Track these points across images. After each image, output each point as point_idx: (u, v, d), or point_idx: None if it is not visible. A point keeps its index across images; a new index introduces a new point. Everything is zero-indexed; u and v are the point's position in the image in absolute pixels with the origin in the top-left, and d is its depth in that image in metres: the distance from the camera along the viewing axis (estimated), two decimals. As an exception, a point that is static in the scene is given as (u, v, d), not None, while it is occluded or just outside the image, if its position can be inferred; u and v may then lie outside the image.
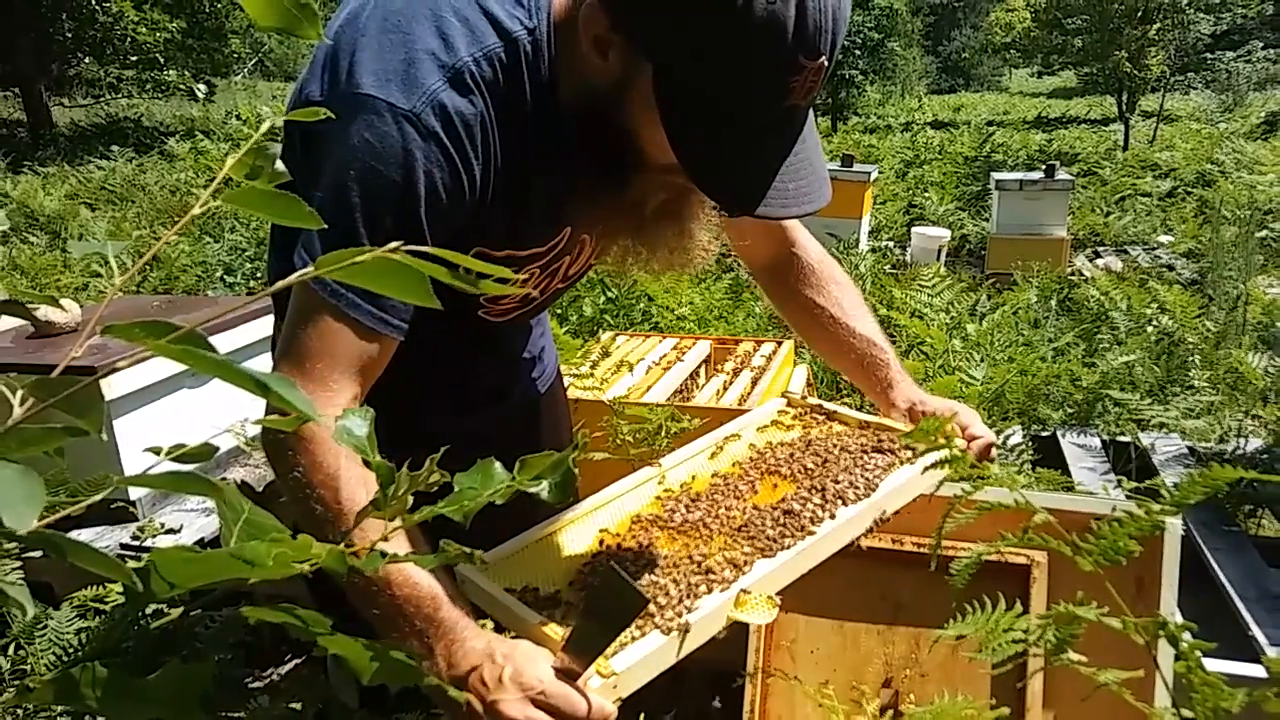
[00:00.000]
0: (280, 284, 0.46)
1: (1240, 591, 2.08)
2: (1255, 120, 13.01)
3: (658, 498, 1.23)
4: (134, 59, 14.09)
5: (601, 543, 1.14)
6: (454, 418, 1.35)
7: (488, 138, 1.01)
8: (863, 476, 1.21)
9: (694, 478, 1.28)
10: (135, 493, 2.48)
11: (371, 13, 1.00)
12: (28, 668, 1.85)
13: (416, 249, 0.46)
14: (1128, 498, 2.19)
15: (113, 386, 2.32)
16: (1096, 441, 2.97)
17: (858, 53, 17.46)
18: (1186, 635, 0.72)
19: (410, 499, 0.56)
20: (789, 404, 1.47)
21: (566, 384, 1.84)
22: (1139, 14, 13.38)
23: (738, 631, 1.10)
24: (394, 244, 0.46)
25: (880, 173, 8.95)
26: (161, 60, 14.13)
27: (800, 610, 1.46)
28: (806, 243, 1.44)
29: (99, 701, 0.48)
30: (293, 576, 0.50)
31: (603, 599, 0.89)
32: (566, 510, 1.20)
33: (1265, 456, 2.86)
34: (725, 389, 2.39)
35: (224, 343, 2.60)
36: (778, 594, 1.05)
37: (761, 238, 1.43)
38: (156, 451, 0.51)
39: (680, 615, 0.99)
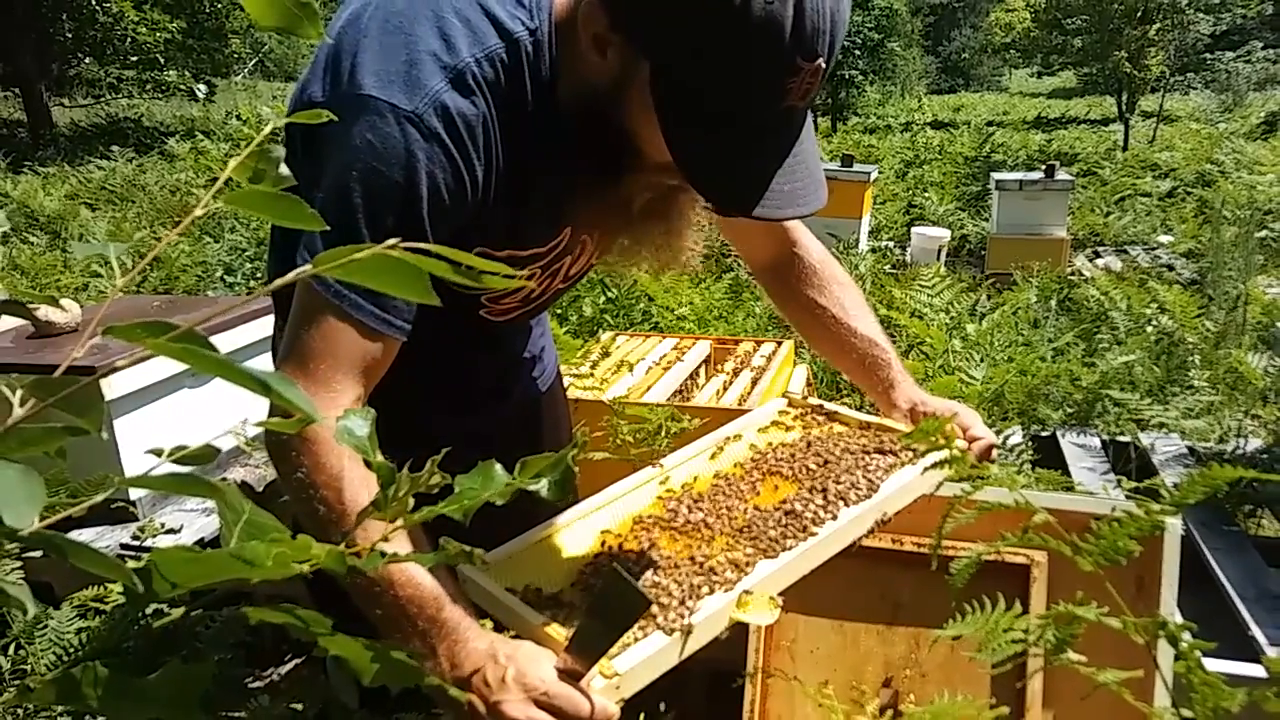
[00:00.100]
0: (279, 281, 0.46)
1: (1240, 591, 2.08)
2: (1255, 120, 13.02)
3: (659, 498, 1.23)
4: (134, 59, 14.10)
5: (603, 543, 1.14)
6: (454, 417, 1.35)
7: (489, 138, 1.01)
8: (865, 477, 1.21)
9: (695, 478, 1.28)
10: (135, 493, 2.47)
11: (373, 13, 1.00)
12: (28, 667, 1.85)
13: (415, 245, 0.46)
14: (1127, 498, 2.19)
15: (113, 386, 2.32)
16: (1096, 441, 2.97)
17: (857, 53, 17.45)
18: (1186, 635, 0.72)
19: (411, 500, 0.56)
20: (790, 404, 1.47)
21: (566, 384, 1.84)
22: (1139, 14, 13.39)
23: (738, 631, 1.10)
24: (392, 240, 0.46)
25: (880, 173, 8.95)
26: (162, 60, 14.13)
27: (800, 610, 1.46)
28: (808, 243, 1.44)
29: (99, 701, 0.48)
30: (293, 576, 0.50)
31: (606, 600, 0.89)
32: (568, 510, 1.20)
33: (1265, 456, 2.86)
34: (725, 389, 2.39)
35: (224, 343, 2.60)
36: (779, 594, 1.05)
37: (763, 238, 1.43)
38: (158, 454, 0.51)
39: (683, 616, 0.98)
